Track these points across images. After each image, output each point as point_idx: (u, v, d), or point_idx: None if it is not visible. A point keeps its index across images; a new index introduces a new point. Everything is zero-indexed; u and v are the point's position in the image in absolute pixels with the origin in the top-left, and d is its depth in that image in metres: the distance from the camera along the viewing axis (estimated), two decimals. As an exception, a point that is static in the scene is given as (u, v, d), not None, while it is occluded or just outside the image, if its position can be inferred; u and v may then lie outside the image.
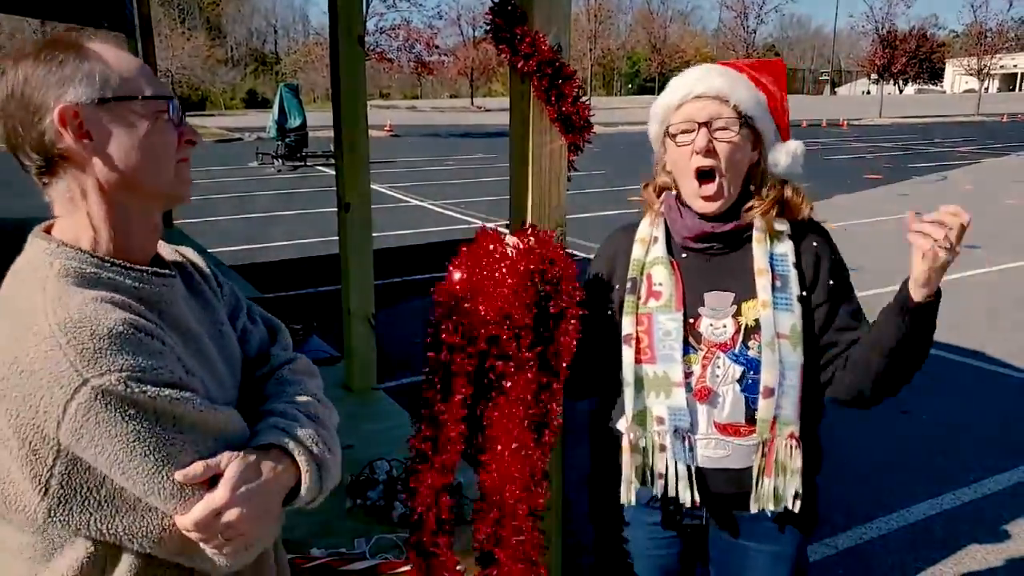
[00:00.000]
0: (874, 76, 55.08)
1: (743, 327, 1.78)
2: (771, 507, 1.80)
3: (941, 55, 59.53)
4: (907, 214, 1.59)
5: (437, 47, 47.29)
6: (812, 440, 1.87)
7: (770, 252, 1.81)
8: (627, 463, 1.86)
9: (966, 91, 74.05)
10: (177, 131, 1.25)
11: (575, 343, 1.76)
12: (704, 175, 1.79)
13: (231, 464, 1.16)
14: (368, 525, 2.47)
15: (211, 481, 1.15)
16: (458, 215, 13.71)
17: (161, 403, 1.10)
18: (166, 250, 1.38)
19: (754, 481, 1.80)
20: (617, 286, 1.93)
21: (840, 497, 4.17)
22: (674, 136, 1.83)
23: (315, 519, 2.51)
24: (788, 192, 1.86)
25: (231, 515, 1.14)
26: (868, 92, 76.46)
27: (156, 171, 1.22)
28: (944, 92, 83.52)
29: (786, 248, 1.82)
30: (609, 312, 1.93)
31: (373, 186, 4.07)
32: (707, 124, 1.77)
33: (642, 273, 1.88)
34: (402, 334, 5.60)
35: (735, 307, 1.80)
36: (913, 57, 52.33)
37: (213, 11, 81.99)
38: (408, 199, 15.48)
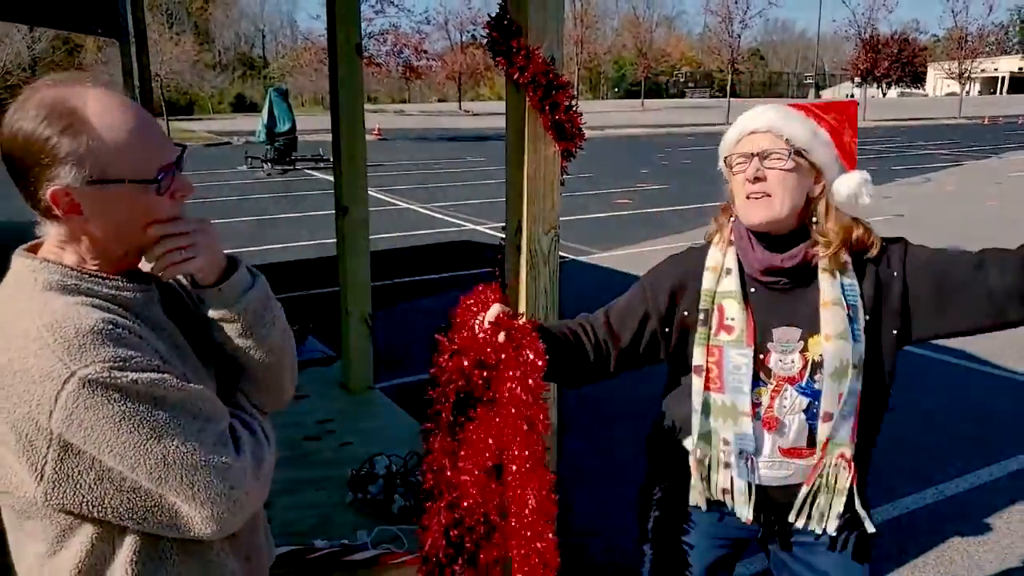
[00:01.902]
0: (857, 79, 55.35)
1: (810, 362, 1.87)
2: (814, 525, 1.91)
3: (923, 59, 59.80)
4: None
5: (425, 52, 47.31)
6: (864, 462, 1.98)
7: (841, 283, 1.88)
8: (695, 472, 1.98)
9: (948, 94, 74.58)
10: (168, 193, 1.33)
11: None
12: (755, 197, 1.88)
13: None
14: (369, 518, 2.55)
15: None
16: (447, 218, 13.78)
17: (142, 387, 1.21)
18: (143, 264, 1.47)
19: (800, 496, 1.91)
20: (685, 312, 2.00)
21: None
22: (731, 167, 1.93)
23: (318, 512, 2.60)
24: (858, 231, 1.91)
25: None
26: (852, 95, 76.89)
27: (142, 232, 1.32)
28: (927, 95, 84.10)
29: (852, 279, 1.90)
30: (662, 317, 2.02)
31: (364, 190, 4.14)
32: (759, 155, 1.87)
33: (713, 304, 1.94)
34: (394, 335, 5.70)
35: (802, 343, 1.88)
36: (896, 61, 52.57)
37: (201, 15, 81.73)
38: (397, 202, 15.54)
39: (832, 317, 1.85)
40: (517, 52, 1.97)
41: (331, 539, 2.36)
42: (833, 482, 1.89)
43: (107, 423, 1.19)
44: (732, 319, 1.91)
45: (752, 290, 1.94)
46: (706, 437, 1.96)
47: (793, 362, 1.87)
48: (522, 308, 2.11)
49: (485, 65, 60.22)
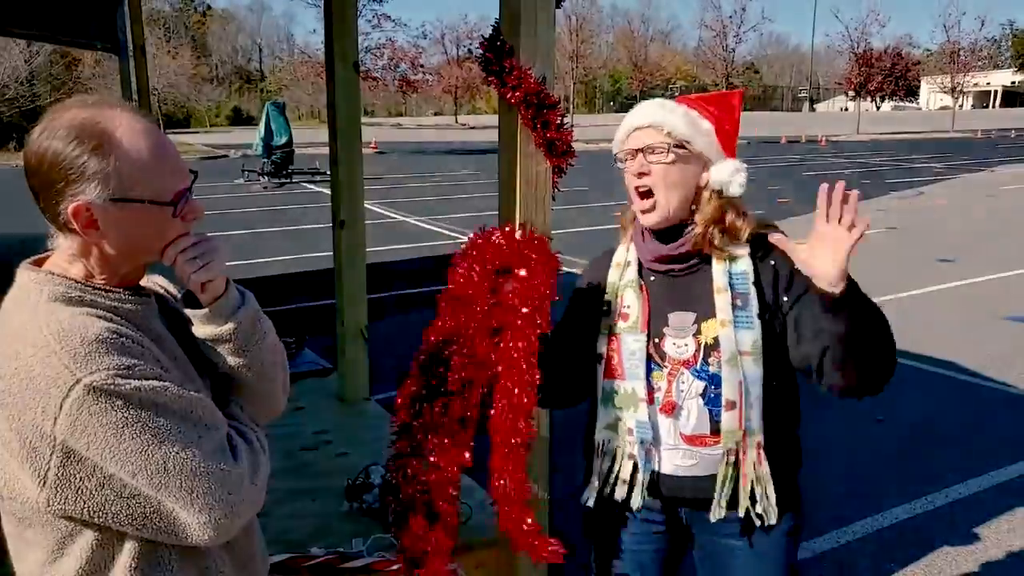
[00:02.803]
0: (851, 93, 55.63)
1: (702, 345, 1.93)
2: (740, 514, 1.94)
3: (916, 73, 60.13)
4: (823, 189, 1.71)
5: (422, 66, 47.45)
6: (790, 444, 2.02)
7: (729, 271, 1.95)
8: (595, 468, 2.05)
9: (941, 108, 74.92)
10: (180, 215, 1.39)
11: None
12: (643, 194, 1.97)
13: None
14: (365, 527, 2.60)
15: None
16: (443, 231, 13.84)
17: (144, 394, 1.26)
18: (144, 280, 1.53)
19: (717, 489, 1.93)
20: (603, 308, 2.08)
21: (818, 502, 4.31)
22: (620, 164, 2.01)
23: (314, 521, 2.64)
24: (730, 216, 1.98)
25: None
26: (846, 109, 77.21)
27: (152, 250, 1.39)
28: (920, 109, 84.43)
29: (745, 267, 1.96)
30: (590, 332, 2.08)
31: (360, 203, 4.20)
32: (642, 150, 1.95)
33: (616, 296, 2.05)
34: (389, 347, 5.73)
35: (696, 326, 1.94)
36: (889, 75, 52.90)
37: (199, 29, 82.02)
38: (393, 215, 15.60)
39: (723, 303, 1.92)
40: (510, 72, 2.04)
41: (327, 547, 2.41)
42: (757, 471, 1.92)
43: (110, 429, 1.23)
44: (628, 306, 2.01)
45: (651, 279, 2.03)
46: (612, 427, 2.02)
47: (687, 345, 1.94)
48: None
49: (482, 79, 60.33)
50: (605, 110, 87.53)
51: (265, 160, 21.45)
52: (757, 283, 1.95)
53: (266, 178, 21.25)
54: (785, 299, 1.95)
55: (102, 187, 1.30)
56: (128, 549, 1.34)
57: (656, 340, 1.97)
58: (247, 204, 17.47)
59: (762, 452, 1.92)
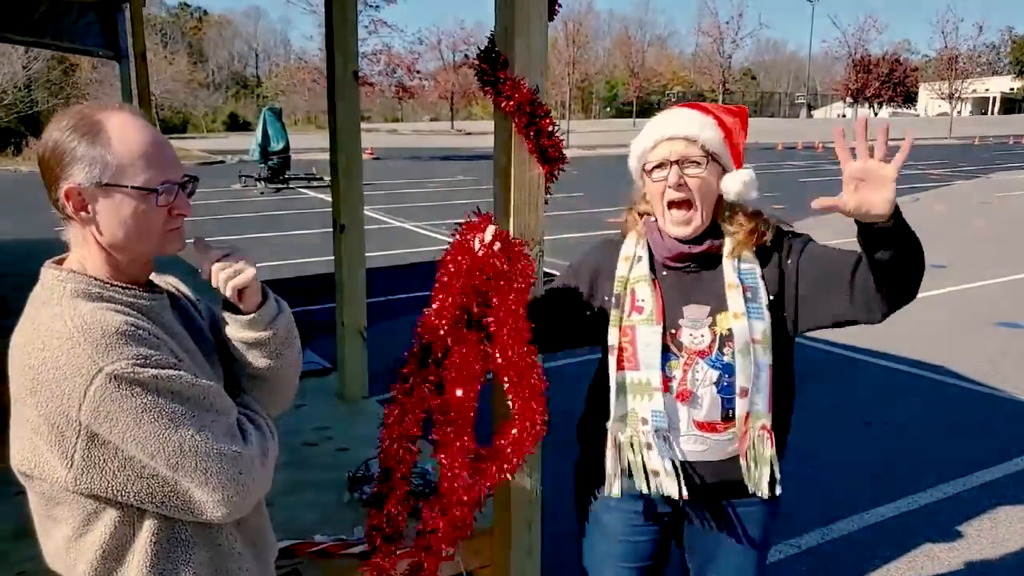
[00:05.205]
0: (849, 99, 55.78)
1: (718, 336, 2.04)
2: (760, 492, 2.05)
3: (914, 79, 60.41)
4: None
5: (418, 71, 47.70)
6: (782, 431, 2.13)
7: (738, 268, 2.07)
8: (611, 459, 2.10)
9: (939, 114, 75.11)
10: (167, 207, 1.49)
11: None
12: (678, 204, 2.06)
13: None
14: (365, 516, 2.70)
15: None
16: (439, 236, 13.92)
17: (161, 382, 1.37)
18: (156, 278, 1.65)
19: (746, 472, 2.05)
20: (604, 296, 2.18)
21: (804, 500, 4.42)
22: (650, 173, 2.09)
23: (318, 511, 2.75)
24: (761, 227, 2.10)
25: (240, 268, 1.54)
26: (844, 115, 77.35)
27: (139, 240, 1.49)
28: (918, 115, 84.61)
29: (751, 263, 2.08)
30: (585, 300, 2.21)
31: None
32: (678, 162, 2.04)
33: (626, 289, 2.12)
34: (385, 350, 5.80)
35: (711, 318, 2.05)
36: (886, 81, 53.21)
37: (195, 35, 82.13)
38: (390, 220, 15.68)
39: (736, 296, 2.03)
40: (504, 82, 2.15)
41: (329, 535, 2.51)
42: (761, 451, 2.03)
43: (130, 414, 1.34)
44: (642, 300, 2.09)
45: (664, 274, 2.13)
46: (624, 418, 2.08)
47: (703, 336, 2.04)
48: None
49: (477, 85, 60.44)
50: (602, 116, 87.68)
51: (262, 165, 21.54)
52: (762, 276, 2.07)
53: (263, 183, 21.34)
54: (789, 262, 2.07)
55: (90, 171, 1.42)
56: (148, 526, 1.45)
57: (672, 331, 2.07)
58: (244, 209, 17.56)
59: (767, 434, 2.03)
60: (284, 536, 2.35)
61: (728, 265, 2.07)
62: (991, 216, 16.33)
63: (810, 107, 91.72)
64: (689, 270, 2.12)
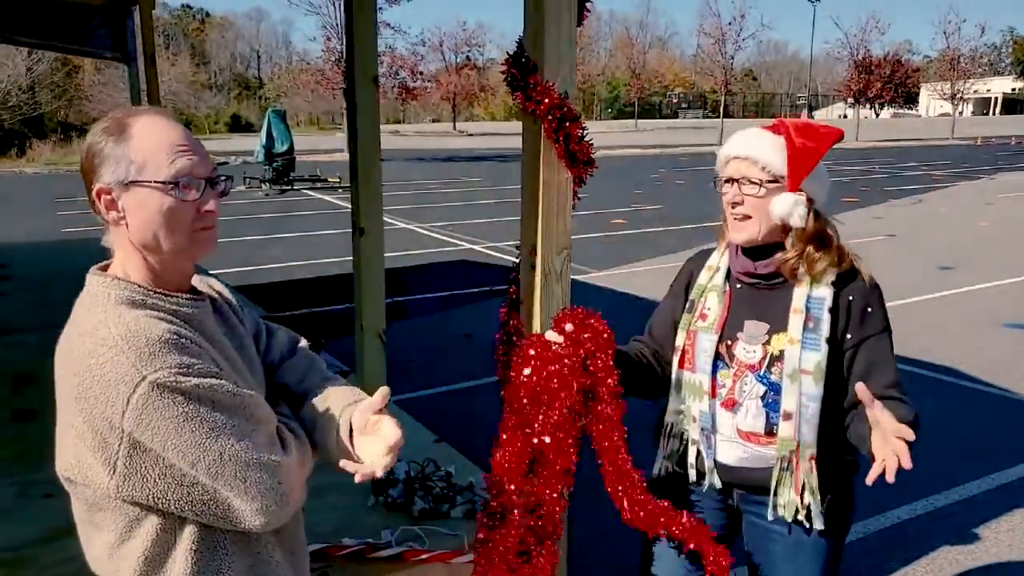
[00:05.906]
0: (850, 100, 55.75)
1: (769, 354, 2.10)
2: (788, 518, 2.12)
3: (916, 80, 60.26)
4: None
5: (421, 73, 47.72)
6: (844, 451, 2.15)
7: (808, 295, 2.10)
8: (662, 447, 2.30)
9: (941, 115, 75.10)
10: (194, 204, 1.50)
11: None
12: (740, 217, 2.14)
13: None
14: (391, 519, 2.71)
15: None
16: (445, 237, 13.94)
17: (203, 391, 1.37)
18: (199, 283, 1.65)
19: (773, 491, 2.11)
20: (687, 305, 2.30)
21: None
22: (720, 187, 2.19)
23: (342, 514, 2.75)
24: (810, 249, 2.11)
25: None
26: (845, 116, 77.37)
27: (168, 237, 1.48)
28: (920, 116, 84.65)
29: (825, 293, 2.09)
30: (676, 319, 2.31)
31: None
32: (738, 181, 2.12)
33: (701, 296, 2.25)
34: (397, 352, 5.82)
35: (767, 336, 2.11)
36: (888, 82, 52.98)
37: (197, 36, 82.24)
38: (395, 222, 15.68)
39: (796, 322, 2.07)
40: (534, 87, 2.15)
41: (356, 538, 2.52)
42: (809, 482, 2.08)
43: (172, 423, 1.34)
44: (709, 308, 2.22)
45: (737, 286, 2.22)
46: (680, 412, 2.24)
47: (755, 352, 2.12)
48: (536, 323, 2.26)
49: (479, 86, 60.67)
50: (603, 117, 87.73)
51: (267, 167, 21.57)
52: (833, 310, 2.09)
53: (268, 185, 21.37)
54: (848, 336, 2.10)
55: (116, 170, 1.44)
56: (188, 533, 1.45)
57: (728, 342, 2.16)
58: (250, 211, 17.57)
59: (814, 464, 2.08)
60: (311, 540, 2.34)
61: (798, 291, 2.11)
62: (995, 217, 16.32)
63: (811, 108, 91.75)
64: (760, 287, 2.18)
